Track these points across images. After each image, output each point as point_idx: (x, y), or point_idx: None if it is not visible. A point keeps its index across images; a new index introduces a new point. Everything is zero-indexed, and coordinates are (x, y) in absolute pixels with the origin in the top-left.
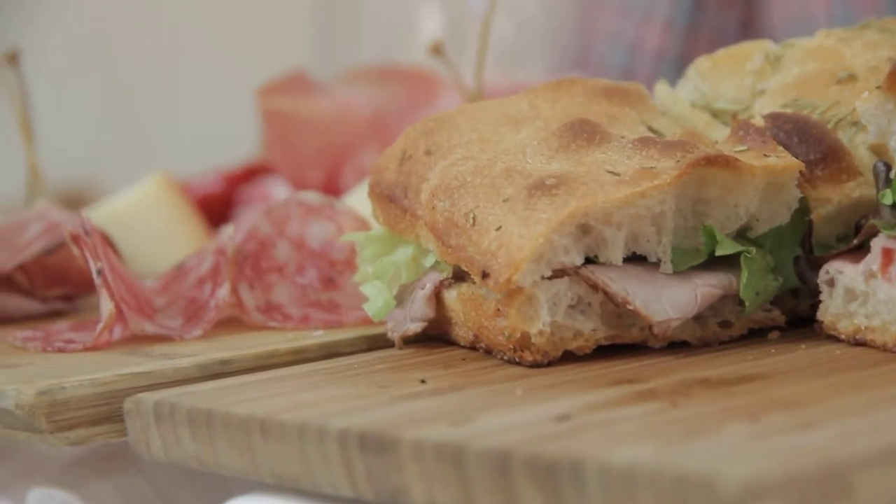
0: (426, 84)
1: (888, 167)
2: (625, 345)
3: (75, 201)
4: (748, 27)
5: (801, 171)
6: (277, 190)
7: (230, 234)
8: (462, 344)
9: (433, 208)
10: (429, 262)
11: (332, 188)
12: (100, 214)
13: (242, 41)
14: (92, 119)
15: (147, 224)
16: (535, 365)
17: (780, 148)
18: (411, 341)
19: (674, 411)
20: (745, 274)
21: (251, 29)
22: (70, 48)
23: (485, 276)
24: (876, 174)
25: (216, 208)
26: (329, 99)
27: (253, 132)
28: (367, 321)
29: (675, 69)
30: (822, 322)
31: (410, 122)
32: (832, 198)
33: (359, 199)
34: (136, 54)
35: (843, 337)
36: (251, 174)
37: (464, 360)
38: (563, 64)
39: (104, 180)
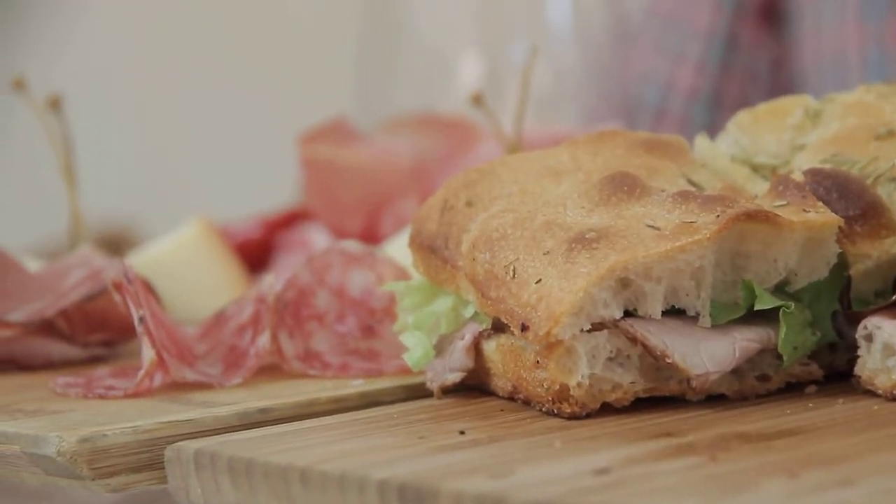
0: (465, 133)
1: None
2: (662, 397)
3: (114, 243)
4: (780, 67)
5: (840, 227)
6: (316, 236)
7: (271, 282)
8: (500, 395)
9: (473, 260)
10: (468, 312)
11: (371, 236)
12: (140, 260)
13: (283, 87)
14: (132, 162)
15: (187, 270)
16: (573, 417)
17: (820, 203)
18: (450, 391)
19: (713, 466)
20: (783, 329)
21: (293, 75)
22: (111, 90)
23: (524, 328)
24: None
25: (255, 254)
26: (369, 147)
27: (292, 178)
28: (406, 370)
29: (708, 108)
30: (859, 377)
31: (450, 170)
32: (871, 253)
33: (398, 248)
34: (176, 97)
35: (880, 392)
36: (290, 220)
37: (502, 410)
38: (600, 107)
39: (143, 222)
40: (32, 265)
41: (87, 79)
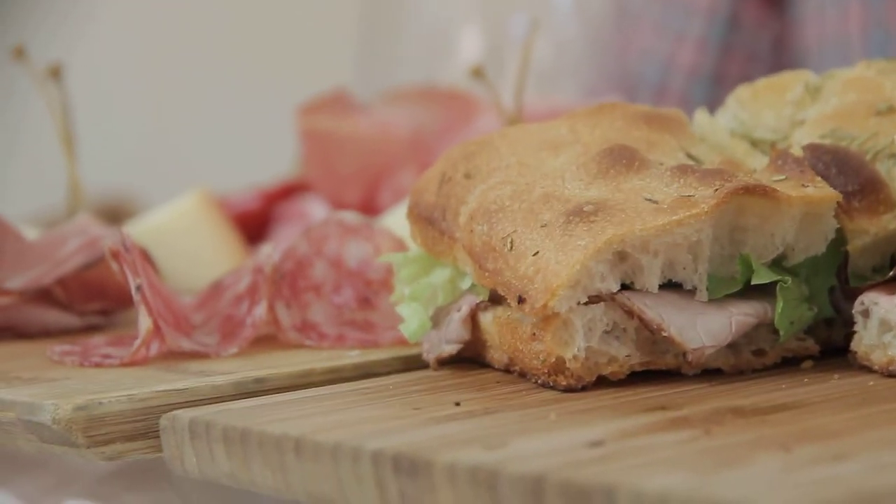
0: (465, 106)
1: None
2: (658, 371)
3: (112, 213)
4: (782, 47)
5: (838, 202)
6: (315, 208)
7: (268, 252)
8: (496, 367)
9: (471, 232)
10: (465, 284)
11: (370, 207)
12: (138, 230)
13: (283, 59)
14: (131, 132)
15: (185, 240)
16: (568, 389)
17: (819, 178)
18: (446, 363)
19: (707, 440)
20: (780, 303)
21: (293, 47)
22: (111, 61)
23: (521, 301)
24: None
25: (253, 225)
26: (368, 119)
27: (291, 149)
28: (402, 341)
29: (708, 87)
30: (855, 352)
31: (449, 143)
32: (869, 229)
33: (396, 220)
34: (176, 68)
35: (876, 368)
36: (289, 191)
37: (498, 382)
38: (600, 83)
39: (141, 193)
40: (30, 233)
41: (87, 49)
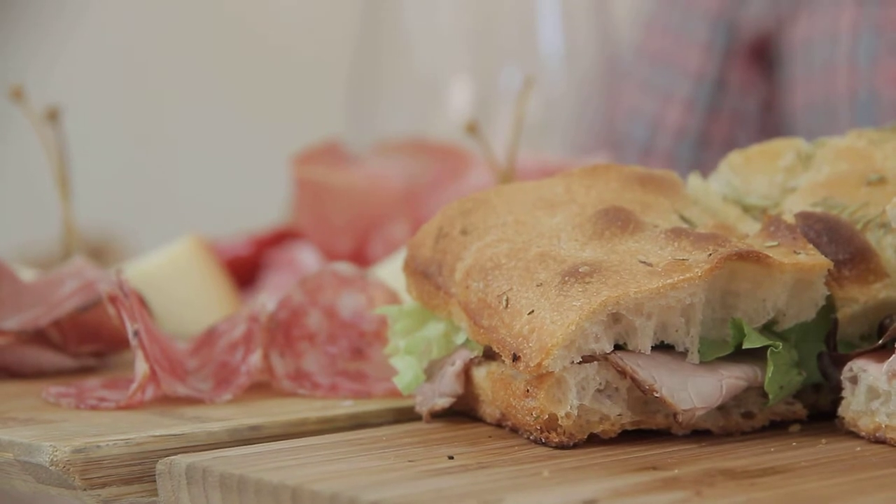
0: (457, 159)
1: None
2: (649, 430)
3: (98, 253)
4: (770, 108)
5: (829, 270)
6: (305, 256)
7: (263, 301)
8: (489, 421)
9: (467, 288)
10: (460, 339)
11: (361, 258)
12: (131, 274)
13: (276, 108)
14: (125, 175)
15: (178, 285)
16: (560, 446)
17: (810, 246)
18: (438, 416)
19: (698, 501)
20: (770, 368)
21: (285, 97)
22: (105, 104)
23: (515, 358)
24: None
25: (244, 270)
26: (361, 170)
27: (282, 197)
28: (395, 393)
29: (695, 148)
30: (843, 418)
31: (440, 196)
32: (858, 298)
33: (389, 272)
34: (171, 114)
35: (863, 434)
36: (280, 238)
37: (490, 437)
38: (588, 140)
39: (129, 236)
40: (26, 275)
41: (82, 91)
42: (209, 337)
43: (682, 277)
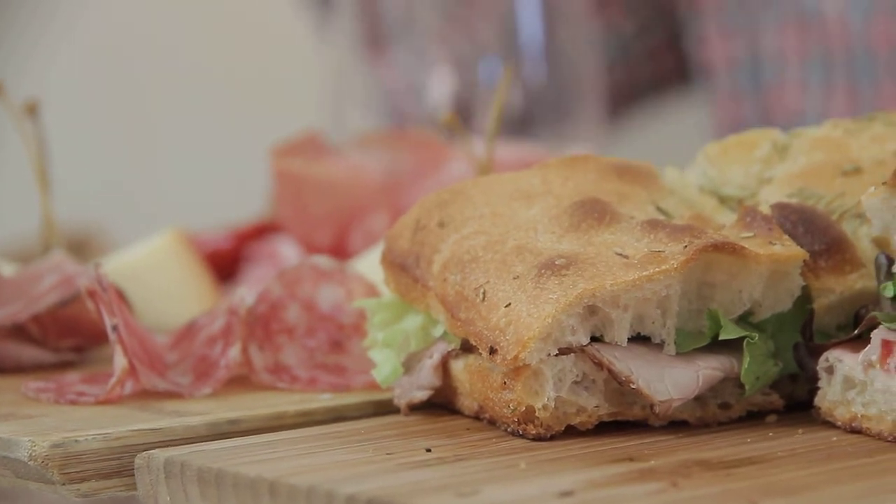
0: (435, 151)
1: (890, 260)
2: (625, 422)
3: (79, 247)
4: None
5: (804, 261)
6: (285, 248)
7: (243, 295)
8: (466, 413)
9: (444, 280)
10: (437, 331)
11: (341, 250)
12: (111, 267)
13: (255, 101)
14: (102, 168)
15: (158, 279)
16: (537, 438)
17: (786, 237)
18: (417, 408)
19: (674, 492)
20: (747, 358)
21: (265, 89)
22: (83, 98)
23: (493, 351)
24: (878, 267)
25: (224, 264)
26: (341, 162)
27: (262, 190)
28: (373, 386)
29: None
30: (819, 408)
31: (420, 188)
32: (834, 288)
33: (368, 265)
34: (151, 107)
35: (839, 423)
36: (260, 232)
37: (468, 429)
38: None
39: (109, 230)
40: (5, 269)
41: (62, 85)
42: (189, 331)
43: (657, 269)
